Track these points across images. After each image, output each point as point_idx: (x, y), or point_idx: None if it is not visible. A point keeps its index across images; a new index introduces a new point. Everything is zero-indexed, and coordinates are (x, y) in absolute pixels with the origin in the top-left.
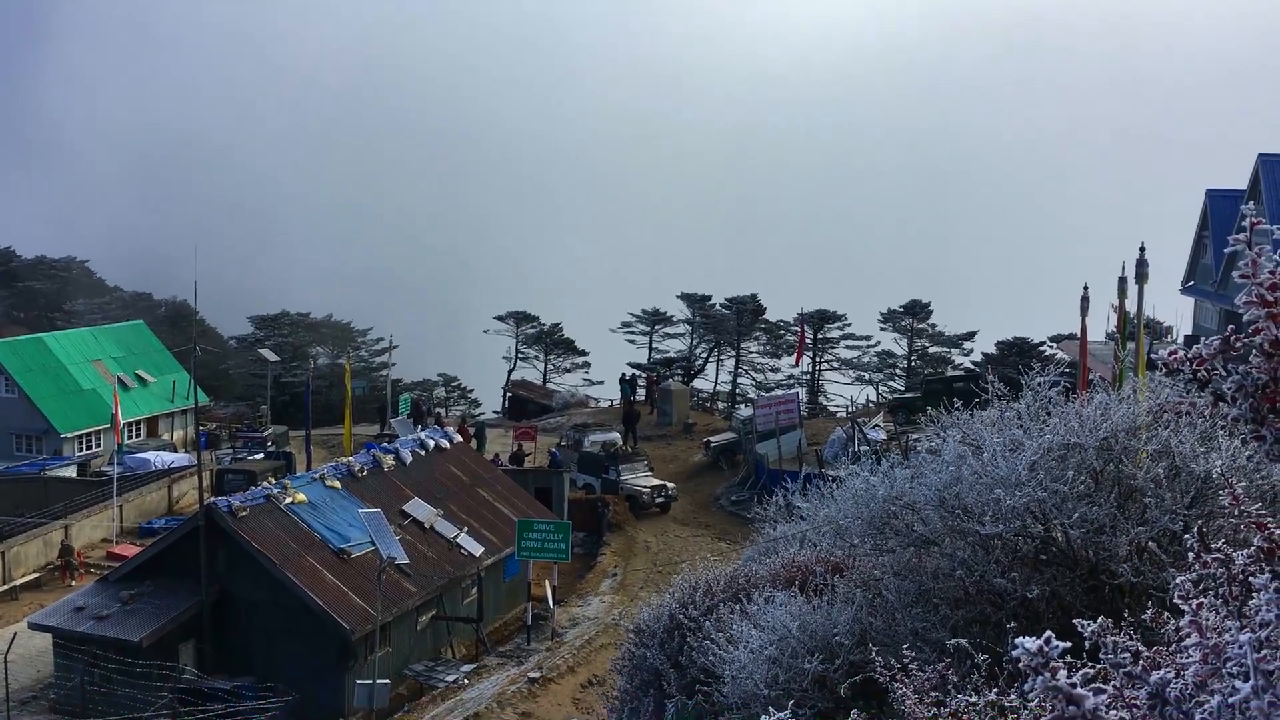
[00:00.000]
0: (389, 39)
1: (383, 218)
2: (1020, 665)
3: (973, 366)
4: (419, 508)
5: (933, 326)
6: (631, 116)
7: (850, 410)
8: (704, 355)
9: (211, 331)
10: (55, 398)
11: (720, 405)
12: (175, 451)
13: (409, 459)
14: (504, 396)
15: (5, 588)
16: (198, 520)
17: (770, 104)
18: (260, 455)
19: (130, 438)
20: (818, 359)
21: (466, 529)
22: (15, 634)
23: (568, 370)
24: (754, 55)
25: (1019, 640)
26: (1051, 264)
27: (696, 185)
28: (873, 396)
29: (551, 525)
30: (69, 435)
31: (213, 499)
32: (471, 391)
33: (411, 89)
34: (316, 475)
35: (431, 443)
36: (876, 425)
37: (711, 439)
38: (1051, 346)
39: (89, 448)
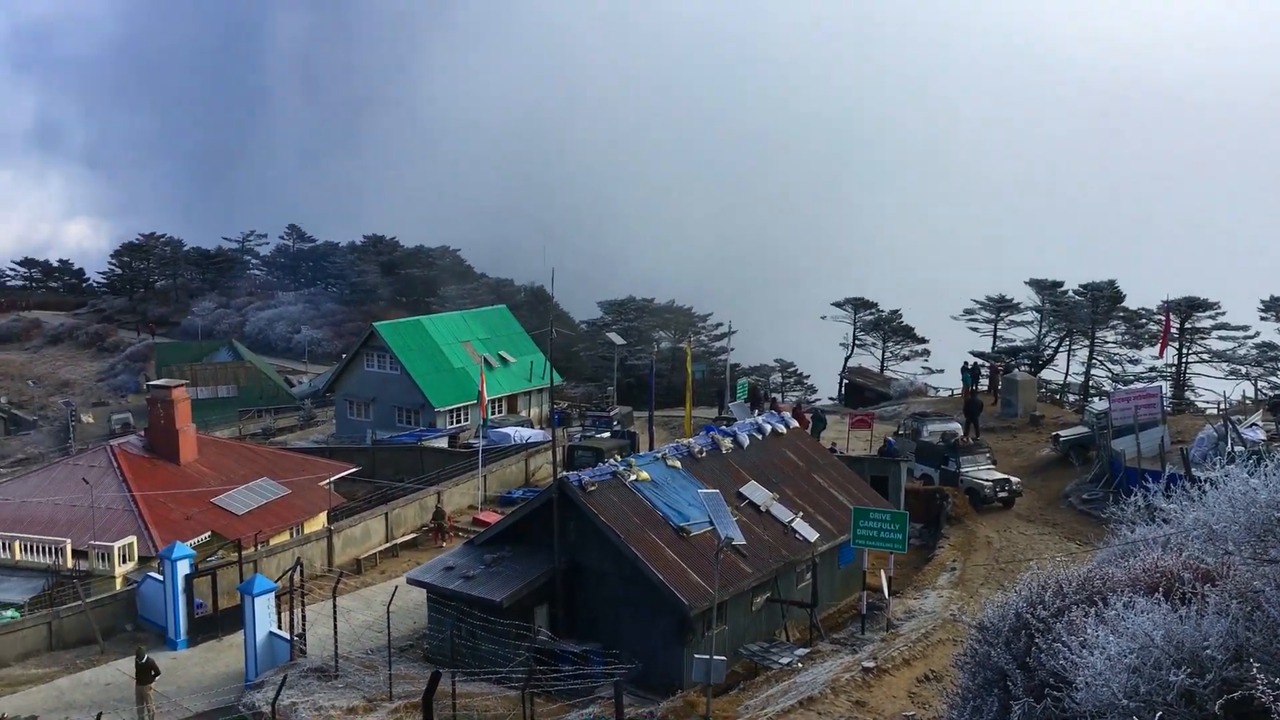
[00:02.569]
0: (743, 24)
1: (726, 204)
2: None
3: None
4: (755, 491)
5: None
6: (983, 92)
7: (1223, 407)
8: (1054, 344)
9: (565, 316)
10: (431, 375)
11: (1071, 397)
12: (532, 428)
13: (746, 442)
14: (840, 383)
15: (388, 545)
16: (551, 493)
17: (1139, 74)
18: (607, 434)
19: (493, 414)
20: (1184, 350)
21: (802, 514)
22: (396, 588)
23: (906, 358)
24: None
25: None
26: None
27: (1049, 165)
28: (1249, 392)
29: (888, 514)
30: (441, 409)
31: (565, 474)
32: (808, 378)
33: (761, 72)
34: (658, 455)
35: (769, 427)
36: (1254, 424)
37: (1061, 433)
38: None
39: (458, 421)
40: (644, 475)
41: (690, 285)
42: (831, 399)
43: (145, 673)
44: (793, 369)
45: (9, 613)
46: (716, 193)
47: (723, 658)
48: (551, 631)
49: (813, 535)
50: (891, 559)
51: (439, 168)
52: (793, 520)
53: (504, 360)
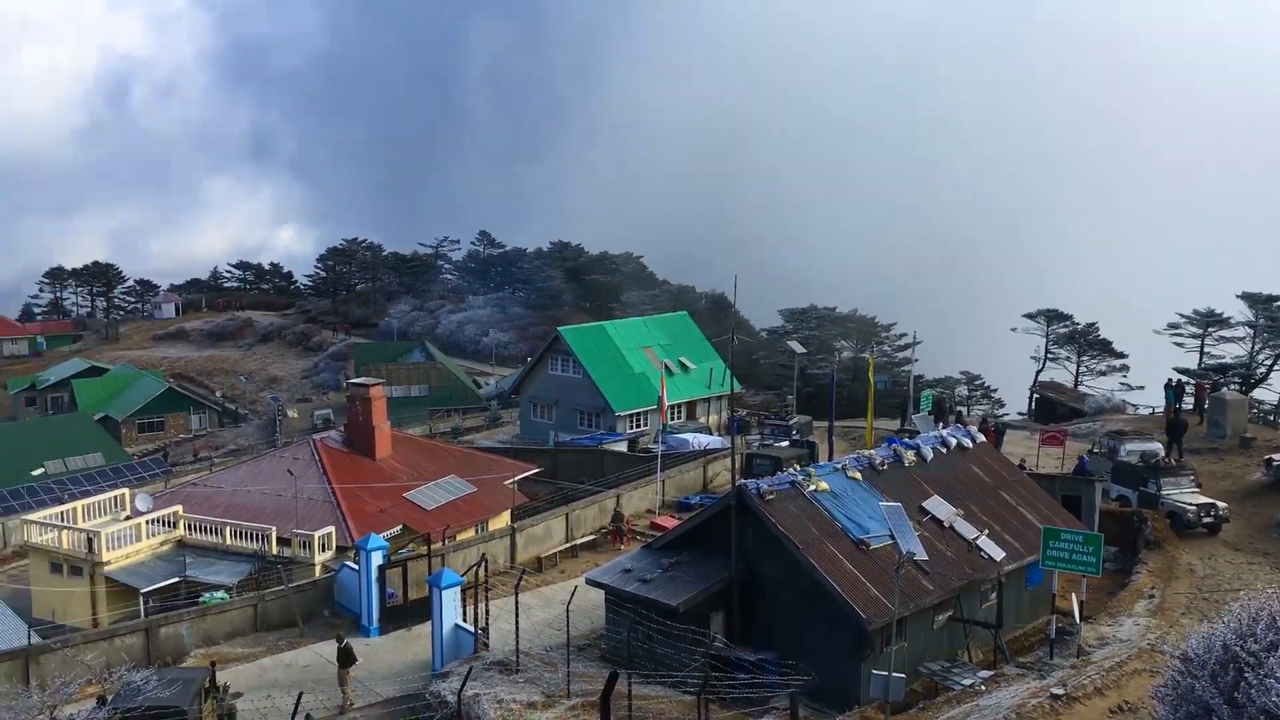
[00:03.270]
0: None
1: (914, 210)
2: None
3: None
4: (938, 506)
5: None
6: (1195, 93)
7: None
8: (1268, 362)
9: (745, 323)
10: (612, 379)
11: None
12: (710, 434)
13: (930, 456)
14: (1031, 398)
15: (568, 545)
16: (729, 500)
17: None
18: (785, 442)
19: (672, 419)
20: None
21: (987, 532)
22: (575, 588)
23: (1103, 373)
24: None
25: None
26: None
27: (1267, 170)
28: None
29: (1080, 536)
30: (622, 414)
31: (743, 481)
32: (995, 391)
33: (955, 71)
34: (838, 465)
35: (954, 441)
36: None
37: (1274, 456)
38: None
39: (637, 426)
40: (823, 485)
41: (874, 294)
42: (1020, 414)
43: (346, 658)
44: (979, 382)
45: (220, 594)
46: (904, 198)
47: (902, 675)
48: (727, 638)
49: (999, 554)
50: (1083, 583)
51: (624, 173)
52: (978, 538)
53: (684, 366)
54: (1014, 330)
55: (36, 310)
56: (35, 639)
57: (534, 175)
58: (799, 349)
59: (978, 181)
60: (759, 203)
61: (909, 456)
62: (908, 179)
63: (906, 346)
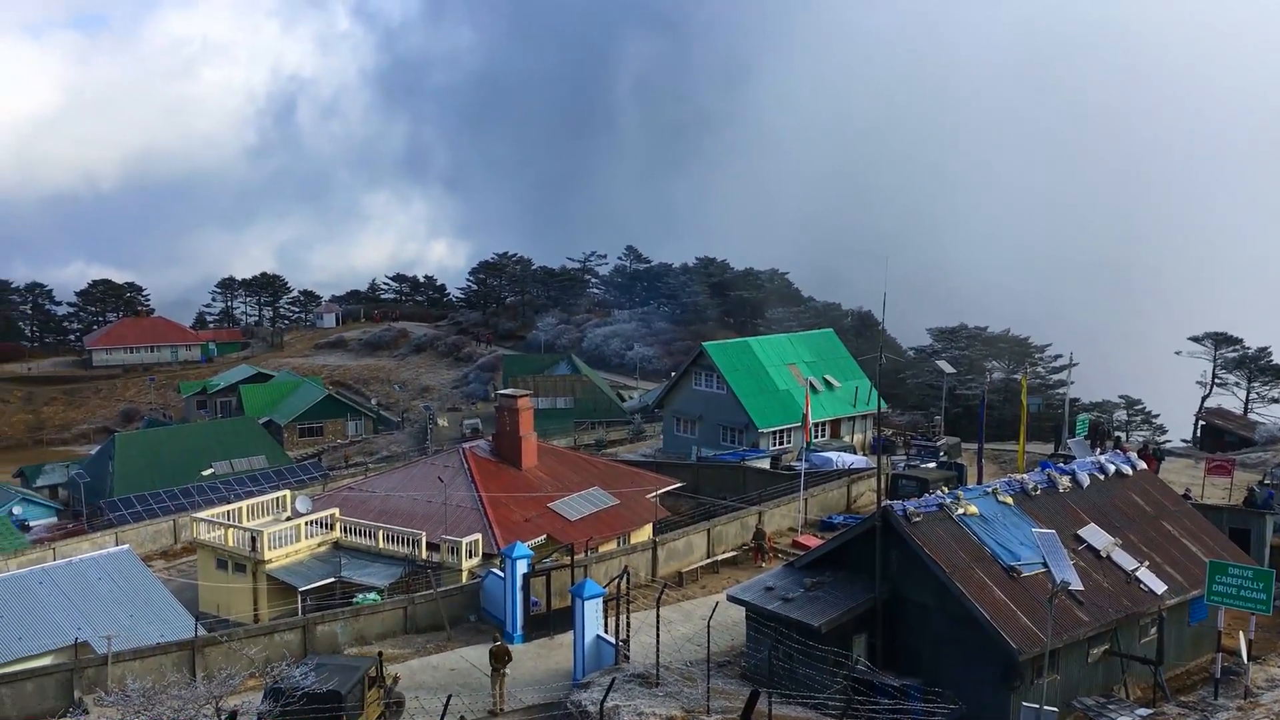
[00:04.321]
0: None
1: (1072, 226)
2: None
3: None
4: (1095, 534)
5: None
6: None
7: None
8: None
9: (892, 341)
10: (756, 395)
11: None
12: (855, 453)
13: (1086, 482)
14: (1196, 425)
15: (709, 561)
16: (874, 520)
17: None
18: (932, 464)
19: (816, 437)
20: None
21: (1148, 563)
22: (716, 604)
23: (1275, 400)
24: None
25: None
26: None
27: None
28: None
29: (1250, 571)
30: (765, 430)
31: (888, 502)
32: (1156, 416)
33: (1120, 79)
34: (988, 489)
35: (1112, 467)
36: None
37: None
38: None
39: (780, 443)
40: (972, 509)
41: (1028, 313)
42: (1184, 441)
43: (501, 659)
44: (1139, 406)
45: (372, 595)
46: (1062, 213)
47: (1054, 709)
48: (870, 661)
49: (1160, 587)
50: (1253, 620)
51: (770, 186)
52: (1137, 569)
53: (829, 384)
54: (1178, 354)
55: (209, 318)
56: (202, 632)
57: (680, 189)
58: (948, 369)
59: (1142, 193)
60: (908, 217)
61: (1064, 482)
62: (1066, 192)
63: (1062, 368)
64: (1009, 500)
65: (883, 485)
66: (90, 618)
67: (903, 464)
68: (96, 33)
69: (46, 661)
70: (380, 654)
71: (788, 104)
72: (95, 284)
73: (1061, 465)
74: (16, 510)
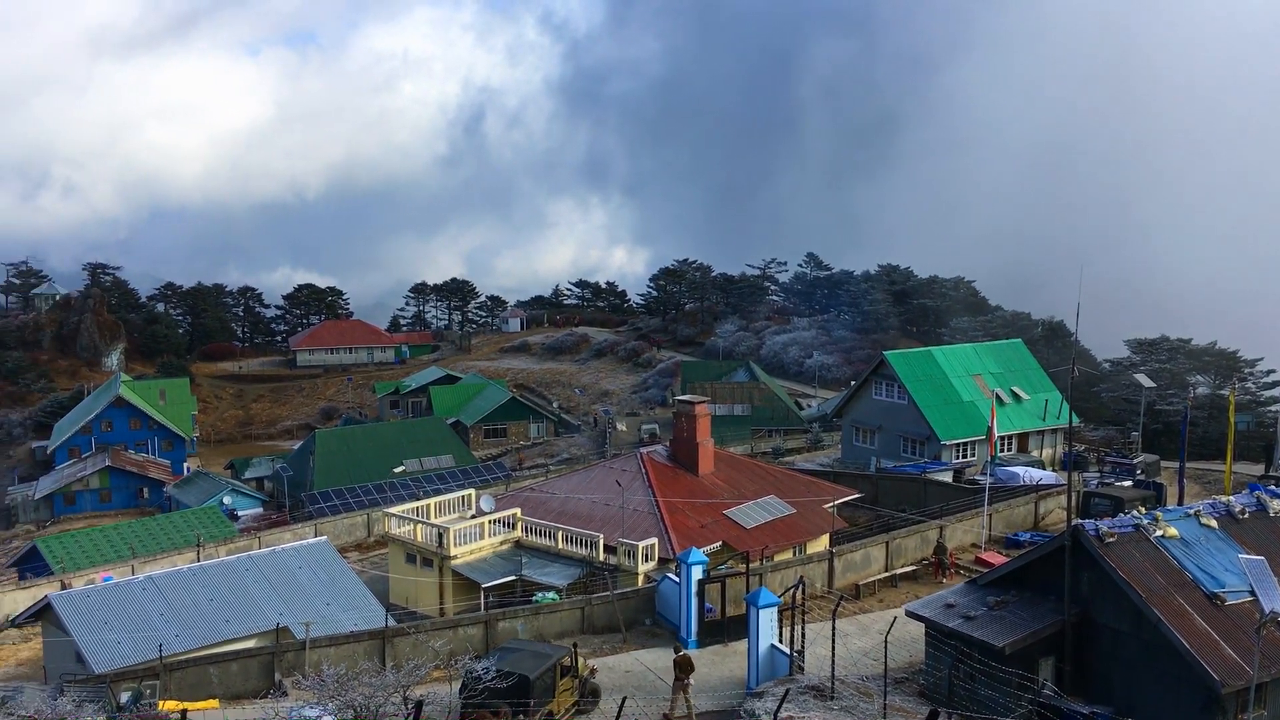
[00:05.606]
0: None
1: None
2: None
3: None
4: None
5: None
6: None
7: None
8: None
9: (1086, 353)
10: (938, 407)
11: None
12: (1043, 469)
13: None
14: None
15: (887, 574)
16: (1063, 540)
17: None
18: (1128, 482)
19: (1002, 451)
20: None
21: None
22: (895, 618)
23: None
24: None
25: None
26: None
27: None
28: None
29: None
30: (948, 443)
31: (1079, 520)
32: None
33: None
34: (1190, 511)
35: None
36: None
37: None
38: None
39: (963, 456)
40: (1172, 532)
41: (1238, 324)
42: None
43: (685, 668)
44: None
45: (551, 594)
46: (1268, 216)
47: None
48: (1057, 686)
49: None
50: None
51: (957, 189)
52: None
53: (1016, 396)
54: None
55: (402, 322)
56: (391, 622)
57: (863, 193)
58: (1147, 383)
59: None
60: (1105, 221)
61: (1275, 506)
62: (1274, 192)
63: (1275, 384)
64: (1213, 523)
65: (1074, 503)
66: (290, 604)
67: (1096, 482)
68: (306, 49)
69: (250, 644)
70: (575, 644)
71: (976, 102)
72: (300, 288)
73: (1273, 488)
74: (227, 500)
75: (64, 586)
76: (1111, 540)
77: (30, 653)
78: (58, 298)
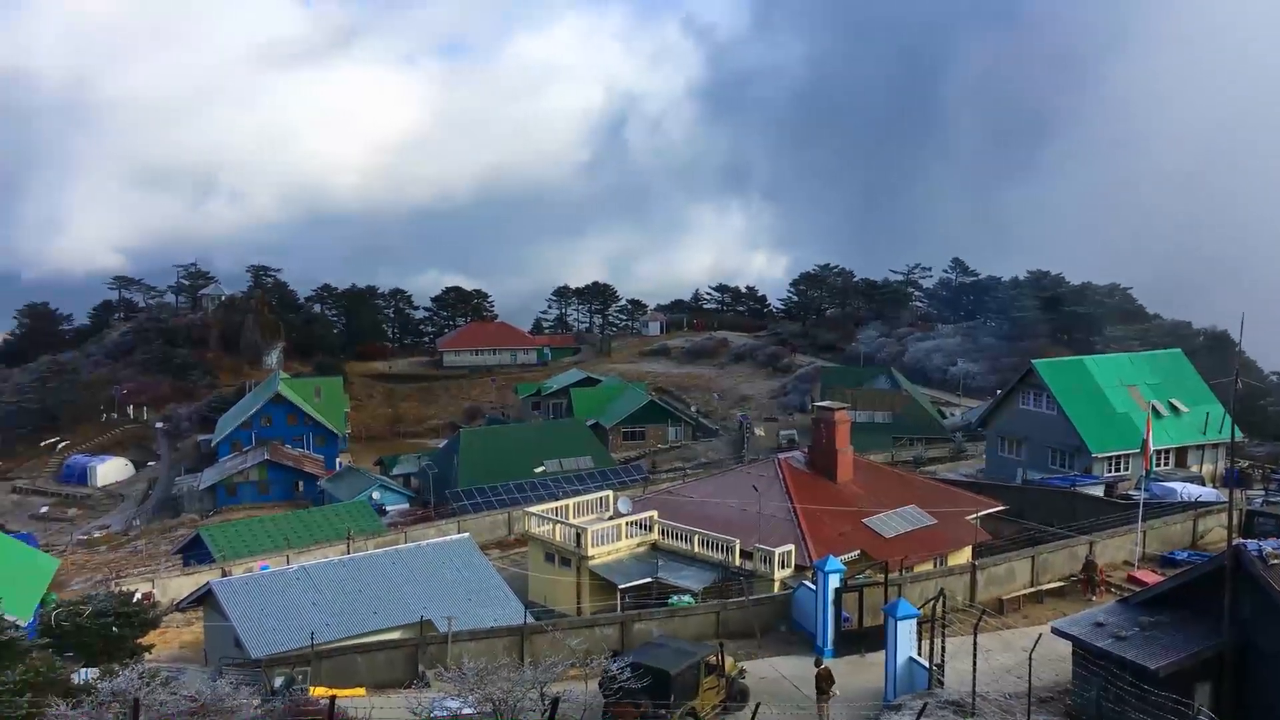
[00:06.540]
0: None
1: None
2: None
3: None
4: None
5: None
6: None
7: None
8: None
9: (1251, 364)
10: (1090, 418)
11: None
12: (1203, 485)
13: None
14: None
15: (1032, 589)
16: (1223, 560)
17: None
18: None
19: (1158, 465)
20: None
21: None
22: (1040, 635)
23: None
24: None
25: None
26: None
27: None
28: None
29: None
30: (1099, 455)
31: (1241, 540)
32: None
33: None
34: None
35: None
36: None
37: None
38: None
39: (1116, 469)
40: None
41: None
42: None
43: (826, 682)
44: None
45: (686, 598)
46: None
47: None
48: (1214, 714)
49: None
50: None
51: (1112, 193)
52: None
53: (1174, 409)
54: None
55: (545, 324)
56: (530, 619)
57: (1011, 197)
58: None
59: None
60: (1269, 227)
61: None
62: None
63: None
64: None
65: (1235, 522)
66: (434, 598)
67: (1260, 500)
68: (459, 59)
69: (395, 635)
70: (721, 643)
71: (1132, 102)
72: (447, 290)
73: None
74: (375, 496)
75: (224, 574)
76: (1276, 562)
77: (192, 636)
78: (223, 298)
